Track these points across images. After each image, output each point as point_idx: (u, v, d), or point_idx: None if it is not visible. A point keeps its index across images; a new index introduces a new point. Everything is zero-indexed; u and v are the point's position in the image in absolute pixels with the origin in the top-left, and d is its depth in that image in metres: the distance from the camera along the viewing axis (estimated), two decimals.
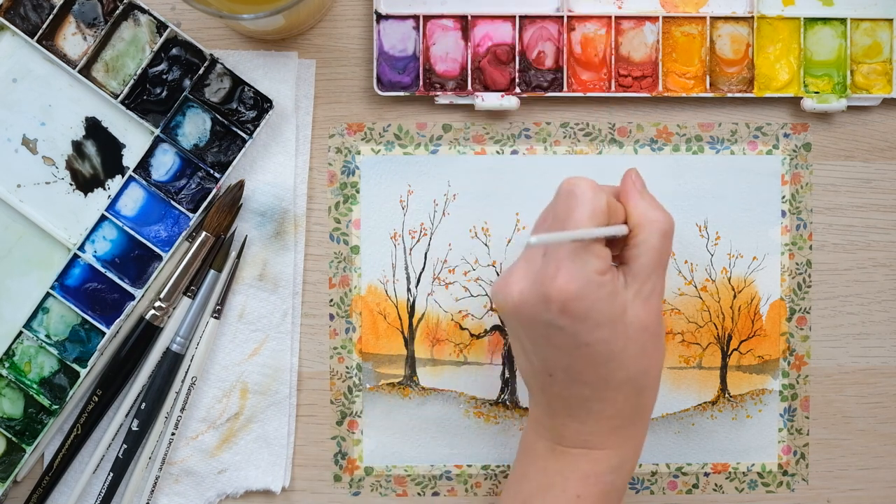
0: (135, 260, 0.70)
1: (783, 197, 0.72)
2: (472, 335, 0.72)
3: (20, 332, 0.69)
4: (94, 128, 0.70)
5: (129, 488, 0.70)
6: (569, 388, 0.60)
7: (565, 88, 0.71)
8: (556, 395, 0.61)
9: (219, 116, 0.69)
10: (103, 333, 0.69)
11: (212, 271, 0.70)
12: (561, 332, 0.58)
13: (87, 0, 0.69)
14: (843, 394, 0.73)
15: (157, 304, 0.69)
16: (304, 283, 0.71)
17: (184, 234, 0.70)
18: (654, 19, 0.71)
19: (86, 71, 0.69)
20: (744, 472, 0.72)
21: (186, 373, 0.70)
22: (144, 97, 0.69)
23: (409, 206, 0.72)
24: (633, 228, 0.61)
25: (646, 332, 0.60)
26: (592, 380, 0.60)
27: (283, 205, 0.70)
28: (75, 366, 0.69)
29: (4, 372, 0.69)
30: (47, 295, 0.69)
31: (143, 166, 0.69)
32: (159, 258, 0.69)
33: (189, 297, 0.70)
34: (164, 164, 0.70)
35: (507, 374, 0.72)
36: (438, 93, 0.71)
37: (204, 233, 0.69)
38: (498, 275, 0.71)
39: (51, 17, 0.69)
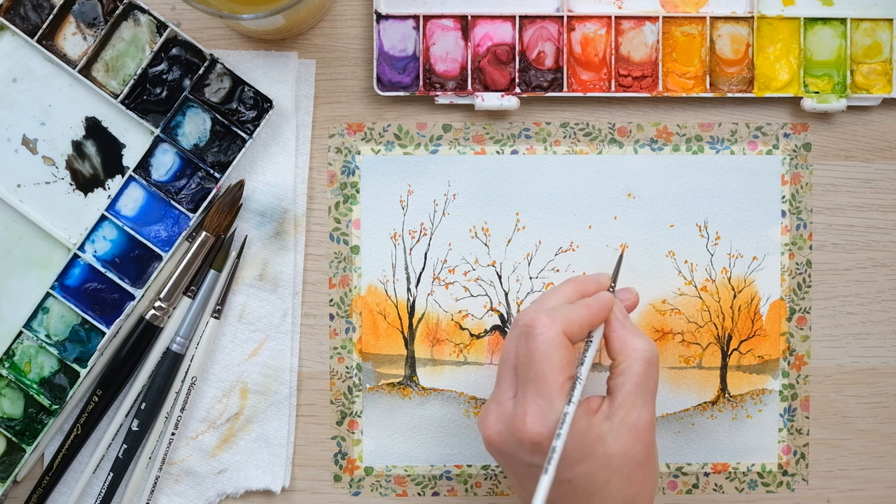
0: (135, 260, 0.70)
1: (783, 197, 0.72)
2: (472, 335, 0.72)
3: (20, 332, 0.69)
4: (94, 128, 0.70)
5: (129, 488, 0.70)
6: None
7: (565, 88, 0.71)
8: None
9: (219, 116, 0.69)
10: (103, 333, 0.69)
11: (212, 271, 0.70)
12: (540, 470, 0.58)
13: (87, 0, 0.69)
14: (843, 394, 0.73)
15: (157, 304, 0.69)
16: (304, 283, 0.71)
17: (184, 234, 0.70)
18: (654, 19, 0.71)
19: (86, 71, 0.69)
20: (744, 472, 0.72)
21: (186, 373, 0.70)
22: (144, 97, 0.69)
23: (409, 206, 0.72)
24: (616, 357, 0.61)
25: (632, 462, 0.59)
26: None
27: (283, 205, 0.70)
28: (75, 366, 0.69)
29: (4, 372, 0.69)
30: (47, 295, 0.69)
31: (143, 166, 0.69)
32: (159, 258, 0.69)
33: (189, 297, 0.70)
34: (164, 164, 0.70)
35: None
36: (438, 93, 0.71)
37: (204, 233, 0.69)
38: (498, 276, 0.72)
39: (51, 17, 0.69)
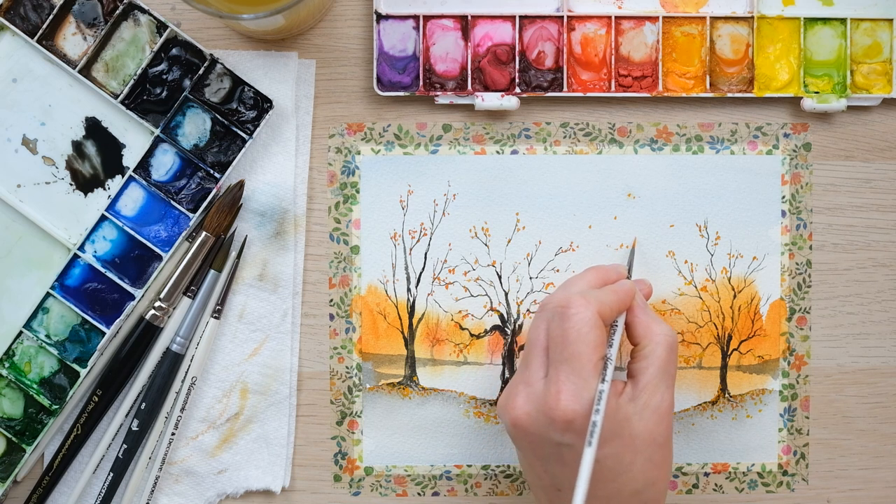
0: (135, 260, 0.70)
1: (783, 197, 0.72)
2: (472, 335, 0.72)
3: (20, 332, 0.69)
4: (94, 128, 0.70)
5: (129, 488, 0.70)
6: None
7: (565, 88, 0.71)
8: None
9: (219, 116, 0.69)
10: (103, 333, 0.69)
11: (212, 271, 0.70)
12: (570, 450, 0.59)
13: (87, 0, 0.69)
14: (843, 394, 0.73)
15: (157, 304, 0.69)
16: (304, 283, 0.71)
17: (184, 234, 0.70)
18: (654, 19, 0.71)
19: (86, 71, 0.69)
20: (744, 472, 0.72)
21: (186, 373, 0.70)
22: (144, 97, 0.69)
23: (409, 206, 0.72)
24: (640, 341, 0.63)
25: (654, 444, 0.60)
26: (602, 494, 0.60)
27: (283, 205, 0.70)
28: (75, 366, 0.69)
29: (4, 372, 0.69)
30: (47, 295, 0.69)
31: (143, 166, 0.69)
32: (159, 258, 0.69)
33: (189, 297, 0.70)
34: (164, 164, 0.70)
35: (507, 374, 0.72)
36: (438, 93, 0.71)
37: (204, 233, 0.69)
38: (498, 276, 0.72)
39: (51, 17, 0.69)
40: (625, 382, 0.62)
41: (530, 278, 0.72)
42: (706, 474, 0.72)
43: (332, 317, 0.72)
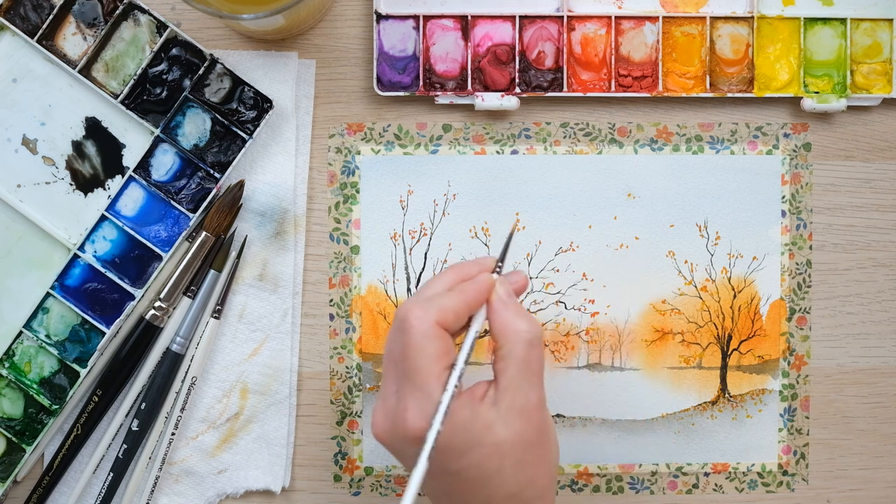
0: (135, 260, 0.70)
1: (783, 197, 0.72)
2: None
3: (20, 332, 0.69)
4: (94, 128, 0.70)
5: (129, 488, 0.70)
6: None
7: (565, 88, 0.71)
8: None
9: (219, 116, 0.69)
10: (103, 333, 0.69)
11: (212, 271, 0.70)
12: (430, 463, 0.56)
13: (87, 0, 0.69)
14: (843, 394, 0.73)
15: (157, 304, 0.69)
16: (304, 283, 0.71)
17: (184, 234, 0.70)
18: (654, 19, 0.71)
19: (86, 71, 0.69)
20: (744, 472, 0.72)
21: (186, 373, 0.70)
22: (144, 97, 0.69)
23: (409, 206, 0.72)
24: (498, 340, 0.58)
25: (524, 444, 0.57)
26: (475, 501, 0.57)
27: (283, 205, 0.70)
28: (75, 366, 0.69)
29: (4, 372, 0.69)
30: (47, 295, 0.69)
31: (143, 166, 0.69)
32: (159, 258, 0.69)
33: (189, 297, 0.70)
34: (164, 164, 0.70)
35: None
36: (438, 93, 0.71)
37: (204, 233, 0.69)
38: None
39: (51, 17, 0.69)
40: (489, 383, 0.58)
41: (530, 278, 0.72)
42: (706, 474, 0.72)
43: (332, 317, 0.72)
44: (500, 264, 0.60)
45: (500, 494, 0.57)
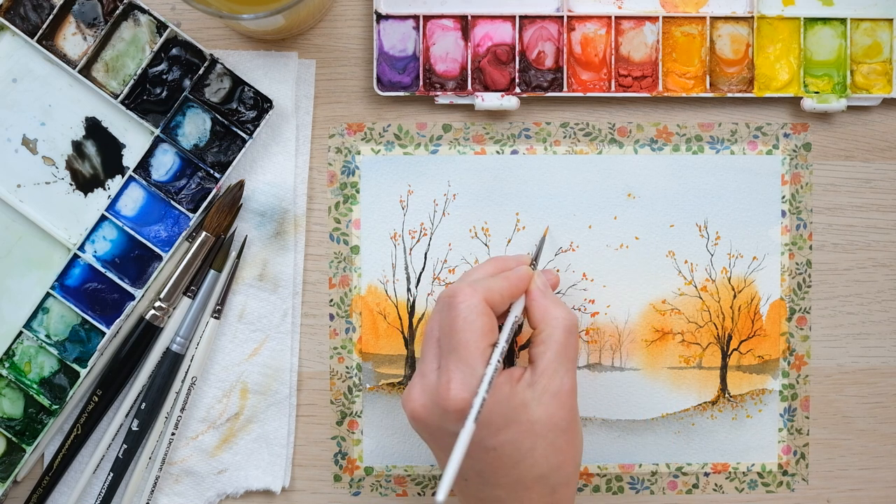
0: (135, 260, 0.70)
1: (783, 197, 0.72)
2: None
3: (20, 332, 0.69)
4: (94, 128, 0.70)
5: (129, 488, 0.70)
6: (483, 491, 0.60)
7: (565, 88, 0.71)
8: (472, 497, 0.61)
9: (219, 116, 0.69)
10: (103, 333, 0.69)
11: (212, 271, 0.70)
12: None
13: (87, 0, 0.69)
14: (843, 394, 0.73)
15: (157, 304, 0.69)
16: (304, 283, 0.71)
17: (184, 234, 0.70)
18: (654, 19, 0.71)
19: (86, 71, 0.69)
20: (744, 472, 0.72)
21: (186, 373, 0.70)
22: (144, 97, 0.69)
23: (409, 206, 0.72)
24: (537, 326, 0.62)
25: (556, 429, 0.59)
26: (505, 481, 0.59)
27: (283, 205, 0.70)
28: (75, 366, 0.69)
29: (4, 372, 0.69)
30: (47, 295, 0.69)
31: (143, 166, 0.69)
32: (159, 258, 0.69)
33: (189, 297, 0.70)
34: (164, 164, 0.70)
35: None
36: (438, 93, 0.71)
37: (204, 233, 0.69)
38: None
39: (51, 17, 0.69)
40: (525, 368, 0.61)
41: None
42: (706, 474, 0.72)
43: (332, 317, 0.71)
44: (534, 262, 0.67)
45: (531, 474, 0.59)
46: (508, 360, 0.70)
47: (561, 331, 0.61)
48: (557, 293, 0.72)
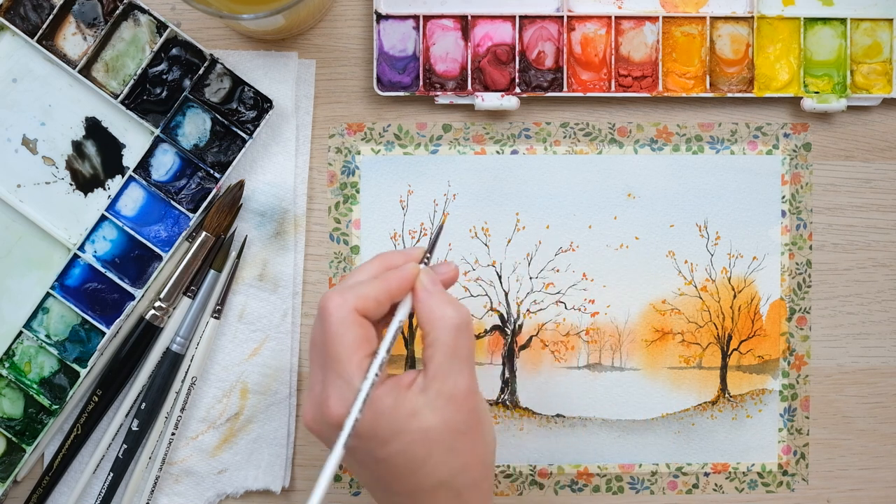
0: (135, 260, 0.70)
1: (783, 197, 0.72)
2: None
3: (20, 332, 0.69)
4: (94, 128, 0.70)
5: (129, 488, 0.70)
6: (388, 498, 0.59)
7: (565, 88, 0.71)
8: (382, 501, 0.60)
9: (219, 116, 0.69)
10: (103, 333, 0.69)
11: (212, 271, 0.70)
12: (357, 451, 0.57)
13: (87, 0, 0.69)
14: (843, 394, 0.73)
15: (157, 304, 0.69)
16: (304, 283, 0.71)
17: (184, 234, 0.70)
18: (654, 19, 0.71)
19: (86, 71, 0.69)
20: (744, 472, 0.72)
21: (186, 373, 0.70)
22: (144, 97, 0.69)
23: (409, 206, 0.72)
24: (424, 327, 0.58)
25: (454, 432, 0.56)
26: (405, 490, 0.57)
27: (283, 205, 0.70)
28: (75, 366, 0.69)
29: (4, 372, 0.69)
30: (47, 295, 0.69)
31: (143, 166, 0.69)
32: (159, 258, 0.69)
33: (189, 297, 0.70)
34: (164, 164, 0.70)
35: (506, 374, 0.72)
36: (438, 93, 0.71)
37: (204, 233, 0.69)
38: (498, 276, 0.72)
39: (51, 17, 0.69)
40: (418, 372, 0.58)
41: (530, 278, 0.72)
42: (706, 474, 0.72)
43: None
44: (427, 255, 0.60)
45: (429, 482, 0.57)
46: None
47: (448, 331, 0.57)
48: (557, 293, 0.72)
